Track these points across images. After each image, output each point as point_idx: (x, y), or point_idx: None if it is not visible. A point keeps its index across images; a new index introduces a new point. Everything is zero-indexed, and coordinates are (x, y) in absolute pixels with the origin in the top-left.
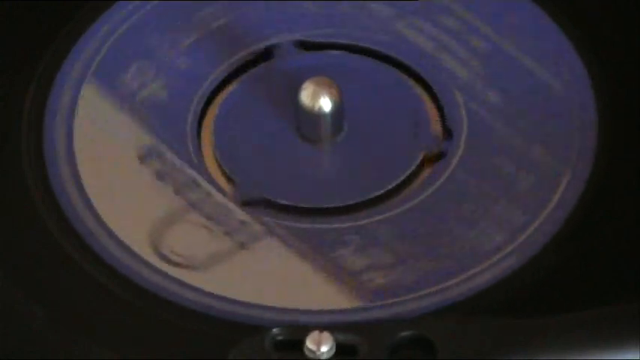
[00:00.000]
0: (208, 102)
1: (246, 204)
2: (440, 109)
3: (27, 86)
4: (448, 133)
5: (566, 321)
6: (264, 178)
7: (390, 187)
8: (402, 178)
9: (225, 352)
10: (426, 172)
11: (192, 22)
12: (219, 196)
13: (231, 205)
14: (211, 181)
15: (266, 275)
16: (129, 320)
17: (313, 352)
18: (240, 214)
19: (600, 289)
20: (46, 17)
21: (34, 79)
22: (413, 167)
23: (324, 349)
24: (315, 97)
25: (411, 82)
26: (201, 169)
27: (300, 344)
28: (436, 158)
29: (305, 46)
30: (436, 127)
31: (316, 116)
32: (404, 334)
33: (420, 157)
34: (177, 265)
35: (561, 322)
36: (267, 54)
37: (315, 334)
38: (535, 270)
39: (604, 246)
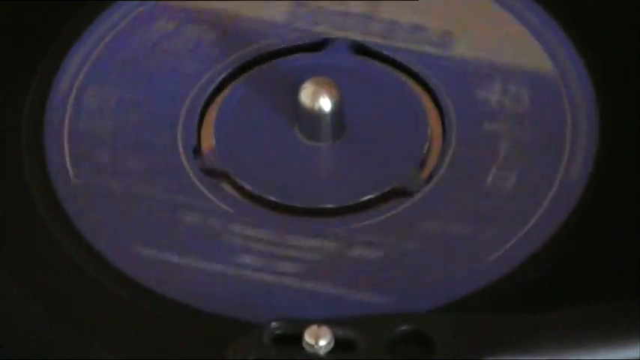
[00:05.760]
0: (208, 102)
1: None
2: (439, 108)
3: (27, 86)
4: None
5: (566, 317)
6: (264, 178)
7: (389, 188)
8: (401, 179)
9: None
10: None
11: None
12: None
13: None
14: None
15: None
16: (129, 320)
17: (312, 346)
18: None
19: (600, 289)
20: (46, 17)
21: (34, 80)
22: (411, 169)
23: (322, 343)
24: (315, 97)
25: (411, 82)
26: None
27: (298, 338)
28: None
29: (306, 46)
30: (435, 126)
31: (316, 116)
32: (402, 328)
33: (419, 159)
34: None
35: (562, 318)
36: (267, 54)
37: (313, 328)
38: (534, 269)
39: (604, 245)
